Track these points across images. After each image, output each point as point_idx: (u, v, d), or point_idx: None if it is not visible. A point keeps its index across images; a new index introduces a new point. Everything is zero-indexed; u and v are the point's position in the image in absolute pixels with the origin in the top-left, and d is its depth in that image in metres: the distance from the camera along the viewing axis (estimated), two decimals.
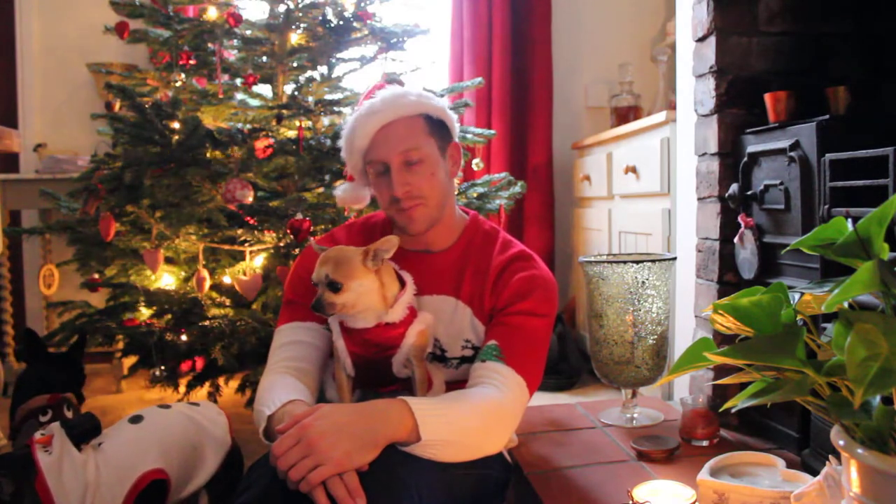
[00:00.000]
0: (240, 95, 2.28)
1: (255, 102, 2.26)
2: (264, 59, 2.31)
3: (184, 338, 2.05)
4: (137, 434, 1.32)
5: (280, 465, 0.99)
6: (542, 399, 2.44)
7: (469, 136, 2.31)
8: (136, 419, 1.36)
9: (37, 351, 1.68)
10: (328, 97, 2.40)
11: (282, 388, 1.18)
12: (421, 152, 1.26)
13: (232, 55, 2.34)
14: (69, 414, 1.53)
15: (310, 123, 2.18)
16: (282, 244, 2.03)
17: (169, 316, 2.13)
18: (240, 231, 2.02)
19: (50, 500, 1.12)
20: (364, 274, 1.16)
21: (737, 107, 1.78)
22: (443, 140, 1.32)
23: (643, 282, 1.76)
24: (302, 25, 2.25)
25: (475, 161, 2.41)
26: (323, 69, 2.44)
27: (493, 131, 2.47)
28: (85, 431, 1.25)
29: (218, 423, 1.46)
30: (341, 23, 2.21)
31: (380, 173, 1.28)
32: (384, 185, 1.28)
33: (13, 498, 1.10)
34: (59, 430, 1.20)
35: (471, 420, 1.13)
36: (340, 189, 1.48)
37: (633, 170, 2.45)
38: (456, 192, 1.80)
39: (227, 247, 2.06)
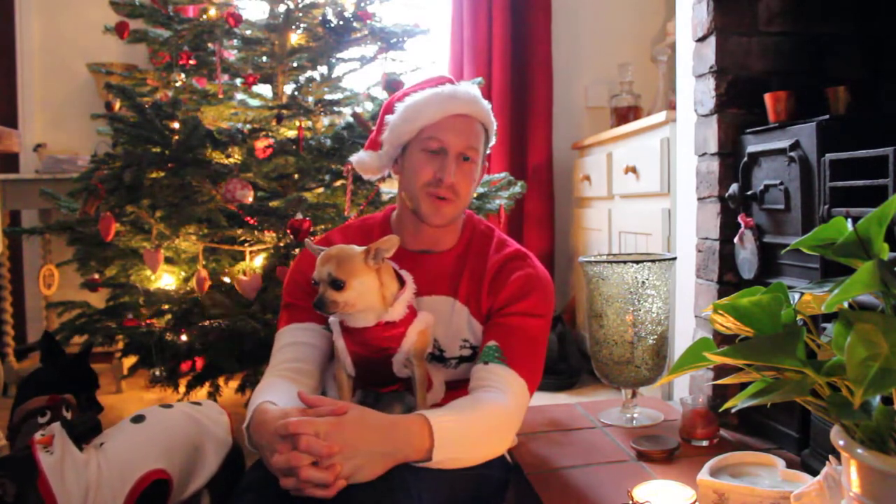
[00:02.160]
0: (240, 95, 2.28)
1: (255, 102, 2.26)
2: (264, 59, 2.31)
3: (184, 338, 2.05)
4: (139, 434, 1.32)
5: (292, 461, 0.97)
6: (542, 399, 2.44)
7: None
8: (138, 419, 1.36)
9: (50, 353, 1.67)
10: (328, 97, 2.40)
11: (263, 392, 1.17)
12: (475, 154, 1.30)
13: (232, 55, 2.34)
14: (68, 415, 1.53)
15: (310, 123, 2.19)
16: (282, 244, 2.03)
17: (169, 316, 2.13)
18: (240, 231, 2.02)
19: (53, 501, 1.12)
20: (366, 272, 1.16)
21: (737, 107, 1.79)
22: (484, 153, 1.37)
23: (643, 282, 1.76)
24: (302, 25, 2.25)
25: None
26: (323, 69, 2.44)
27: None
28: (86, 431, 1.25)
29: (219, 422, 1.46)
30: (341, 23, 2.21)
31: (432, 152, 1.28)
32: (430, 165, 1.27)
33: (17, 500, 1.10)
34: (60, 430, 1.20)
35: (482, 436, 1.14)
36: (365, 154, 1.40)
37: (633, 170, 2.45)
38: None
39: (227, 247, 2.06)
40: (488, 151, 1.41)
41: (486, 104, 1.34)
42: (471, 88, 1.32)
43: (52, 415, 1.48)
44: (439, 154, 1.27)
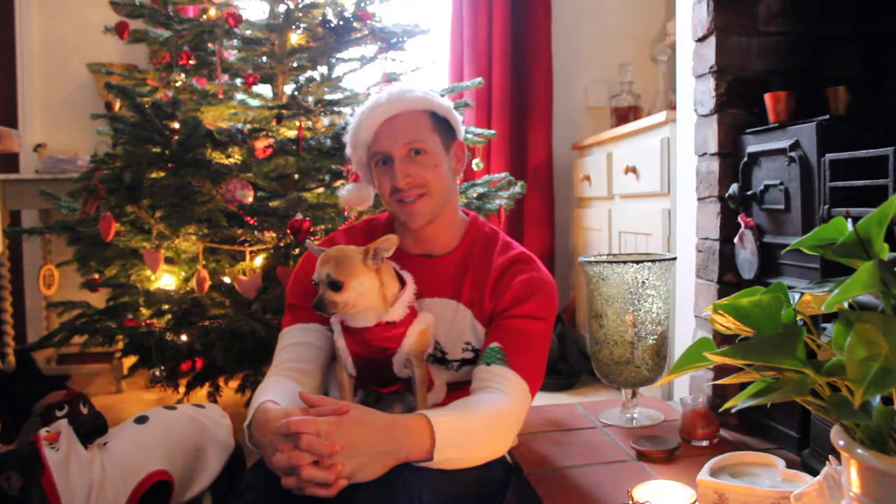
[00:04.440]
0: (240, 95, 2.27)
1: (255, 102, 2.26)
2: (264, 59, 2.30)
3: (184, 338, 2.05)
4: (143, 435, 1.32)
5: (294, 460, 0.97)
6: (542, 399, 2.44)
7: (469, 136, 2.31)
8: (141, 420, 1.36)
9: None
10: (328, 97, 2.39)
11: (265, 391, 1.17)
12: (425, 144, 1.28)
13: (232, 55, 2.33)
14: (85, 410, 1.54)
15: (310, 123, 2.18)
16: (282, 244, 2.03)
17: (169, 316, 2.13)
18: (240, 231, 2.02)
19: (56, 497, 1.13)
20: (364, 273, 1.16)
21: (737, 107, 1.79)
22: (447, 137, 1.33)
23: (643, 282, 1.76)
24: (302, 25, 2.25)
25: (475, 161, 2.41)
26: (323, 69, 2.44)
27: (493, 131, 2.47)
28: (91, 430, 1.25)
29: (221, 425, 1.46)
30: (341, 23, 2.21)
31: (383, 164, 1.29)
32: (386, 177, 1.29)
33: (21, 493, 1.10)
34: (67, 427, 1.21)
35: (483, 436, 1.14)
36: (345, 190, 1.49)
37: (633, 170, 2.45)
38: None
39: (227, 247, 2.06)
40: (459, 138, 1.37)
41: (422, 91, 1.31)
42: (395, 87, 1.32)
43: (70, 409, 1.49)
44: (389, 164, 1.28)
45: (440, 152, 1.30)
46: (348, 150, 1.37)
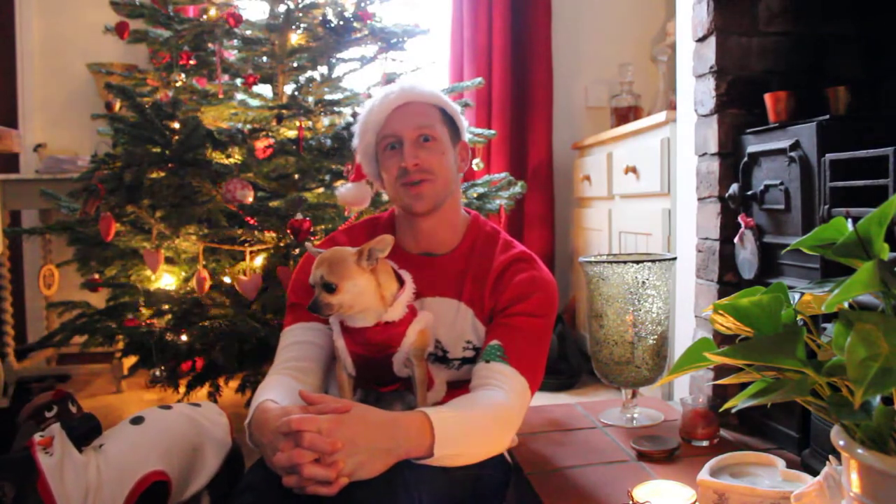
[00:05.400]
0: (240, 95, 2.27)
1: (255, 102, 2.25)
2: (264, 59, 2.30)
3: (184, 338, 2.05)
4: (138, 435, 1.32)
5: (295, 458, 0.98)
6: (542, 399, 2.44)
7: (469, 136, 2.31)
8: (137, 420, 1.35)
9: None
10: (328, 97, 2.39)
11: (266, 390, 1.17)
12: (434, 132, 1.31)
13: (232, 55, 2.33)
14: (74, 409, 1.53)
15: (310, 123, 2.18)
16: (282, 244, 2.03)
17: (169, 316, 2.13)
18: (240, 231, 2.02)
19: (52, 503, 1.12)
20: (359, 274, 1.16)
21: (737, 107, 1.79)
22: (454, 134, 1.37)
23: (643, 282, 1.76)
24: (302, 25, 2.25)
25: (475, 161, 2.42)
26: (323, 69, 2.44)
27: (493, 131, 2.47)
28: (85, 432, 1.25)
29: (219, 423, 1.46)
30: (341, 23, 2.21)
31: (392, 148, 1.31)
32: (394, 160, 1.30)
33: (16, 502, 1.10)
34: (60, 431, 1.20)
35: (483, 433, 1.15)
36: (343, 188, 1.50)
37: (633, 170, 2.45)
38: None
39: (227, 247, 2.06)
40: (465, 137, 1.41)
41: (431, 89, 1.35)
42: (406, 81, 1.36)
43: (59, 409, 1.48)
44: (398, 147, 1.30)
45: (448, 143, 1.34)
46: (355, 141, 1.38)
